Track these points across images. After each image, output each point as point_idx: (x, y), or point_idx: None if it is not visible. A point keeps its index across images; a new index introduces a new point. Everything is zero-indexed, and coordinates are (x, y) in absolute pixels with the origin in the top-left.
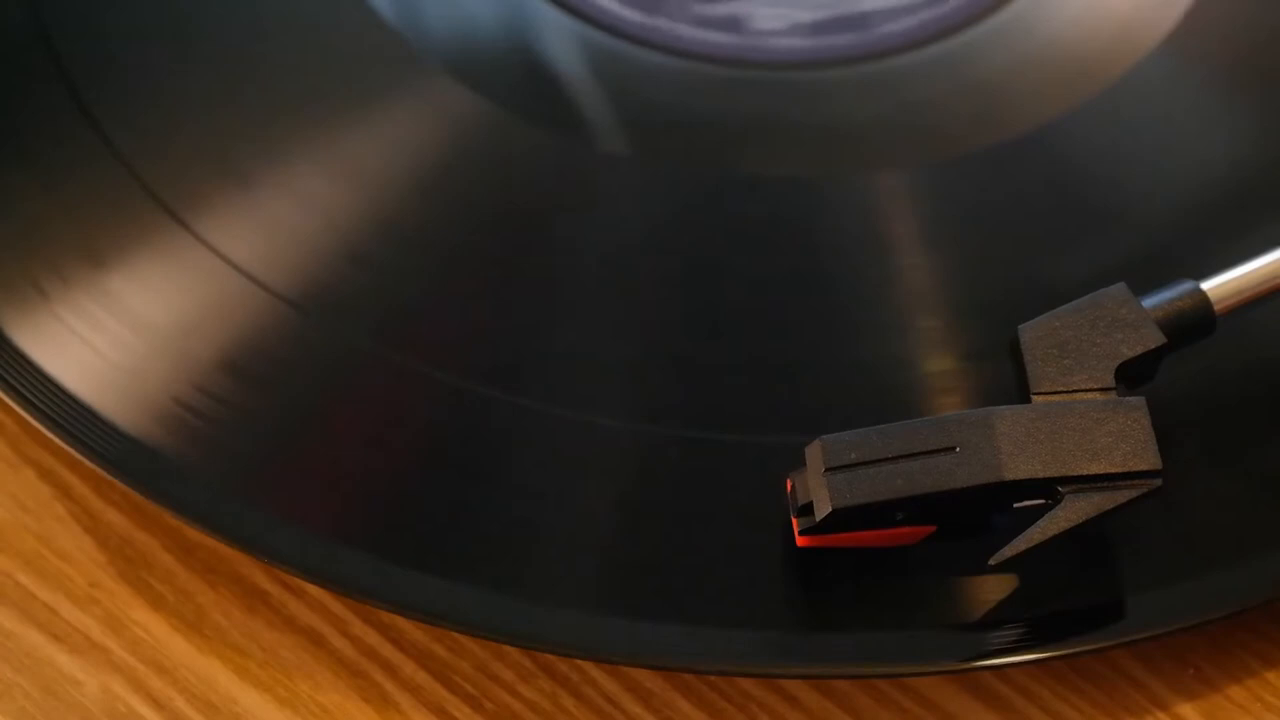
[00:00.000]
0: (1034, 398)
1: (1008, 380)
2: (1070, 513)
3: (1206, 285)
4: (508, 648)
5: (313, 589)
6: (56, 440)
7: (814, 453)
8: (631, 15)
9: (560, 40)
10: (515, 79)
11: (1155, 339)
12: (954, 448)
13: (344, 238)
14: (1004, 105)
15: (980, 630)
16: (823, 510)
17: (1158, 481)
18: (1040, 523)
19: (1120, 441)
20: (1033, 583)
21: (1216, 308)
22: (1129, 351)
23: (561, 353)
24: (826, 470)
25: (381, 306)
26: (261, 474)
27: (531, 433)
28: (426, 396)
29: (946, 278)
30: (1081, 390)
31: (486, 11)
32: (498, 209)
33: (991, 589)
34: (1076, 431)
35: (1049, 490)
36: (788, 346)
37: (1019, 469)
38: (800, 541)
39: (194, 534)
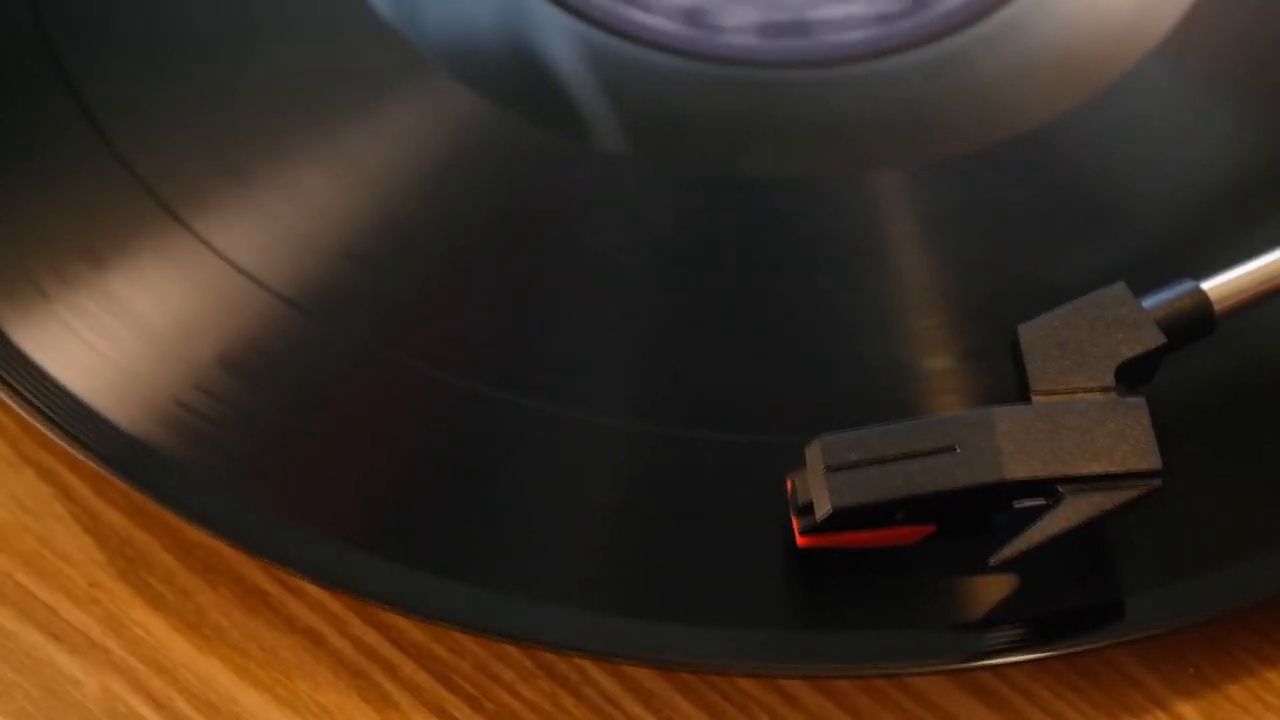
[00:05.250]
0: (1034, 397)
1: (1007, 380)
2: (1070, 512)
3: (1206, 285)
4: (508, 648)
5: (313, 589)
6: (57, 440)
7: (814, 452)
8: (632, 14)
9: (560, 40)
10: (515, 78)
11: (1155, 339)
12: (954, 447)
13: (344, 237)
14: (1003, 105)
15: (980, 630)
16: (823, 510)
17: (1158, 481)
18: (1040, 522)
19: (1120, 441)
20: (1032, 582)
21: (1216, 308)
22: (1129, 351)
23: (561, 352)
24: (826, 470)
25: (382, 306)
26: (261, 473)
27: (532, 432)
28: (426, 396)
29: (946, 277)
30: (1081, 390)
31: (486, 11)
32: (498, 208)
33: (991, 589)
34: (1076, 431)
35: (1049, 490)
36: (787, 346)
37: (1019, 469)
38: (800, 541)
39: (194, 534)
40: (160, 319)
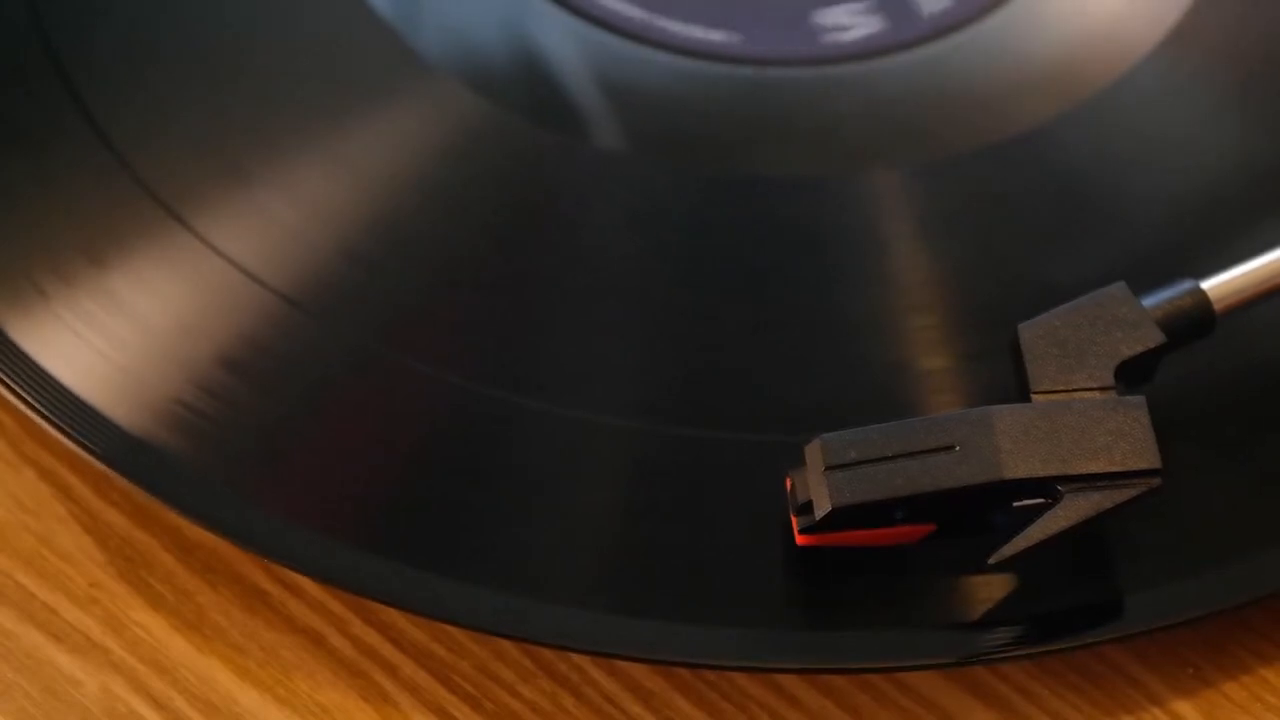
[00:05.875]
0: (1033, 397)
1: (1007, 379)
2: (1069, 511)
3: (1206, 284)
4: (508, 648)
5: (313, 589)
6: (57, 439)
7: (814, 451)
8: (632, 14)
9: (561, 39)
10: (516, 78)
11: (1155, 338)
12: (953, 446)
13: (344, 236)
14: (1003, 104)
15: (979, 628)
16: (822, 509)
17: (1157, 480)
18: (1039, 521)
19: (1120, 440)
20: (1031, 580)
21: (1216, 307)
22: (1129, 350)
23: (562, 352)
24: (826, 469)
25: (382, 305)
26: (262, 472)
27: (531, 432)
28: (426, 395)
29: (945, 277)
30: (1081, 389)
31: (487, 11)
32: (498, 208)
33: (990, 587)
34: (1076, 430)
35: (1048, 489)
36: (787, 346)
37: (1018, 468)
38: (800, 540)
39: (194, 534)
40: (160, 319)
